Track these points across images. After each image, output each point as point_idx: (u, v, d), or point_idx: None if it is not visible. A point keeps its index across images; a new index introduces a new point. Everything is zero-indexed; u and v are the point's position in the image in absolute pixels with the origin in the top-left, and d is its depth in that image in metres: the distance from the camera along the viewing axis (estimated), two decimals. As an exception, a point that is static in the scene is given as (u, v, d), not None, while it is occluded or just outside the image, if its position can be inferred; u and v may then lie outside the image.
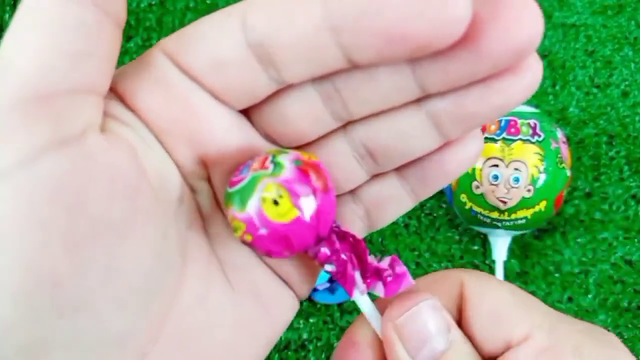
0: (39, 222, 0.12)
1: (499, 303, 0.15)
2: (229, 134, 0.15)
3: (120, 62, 0.44)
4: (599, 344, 0.15)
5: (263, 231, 0.14)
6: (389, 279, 0.16)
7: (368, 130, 0.16)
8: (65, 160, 0.12)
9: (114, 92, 0.15)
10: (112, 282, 0.13)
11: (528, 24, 0.12)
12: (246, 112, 0.16)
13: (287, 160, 0.14)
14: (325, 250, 0.15)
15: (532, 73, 0.14)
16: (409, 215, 0.41)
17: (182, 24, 0.44)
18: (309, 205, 0.14)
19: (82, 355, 0.13)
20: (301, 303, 0.19)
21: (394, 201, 0.17)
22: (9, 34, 0.12)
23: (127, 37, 0.44)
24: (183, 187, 0.15)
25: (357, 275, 0.16)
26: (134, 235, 0.13)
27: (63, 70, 0.12)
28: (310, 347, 0.39)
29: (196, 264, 0.15)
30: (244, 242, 0.15)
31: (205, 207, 0.16)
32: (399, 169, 0.17)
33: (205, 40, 0.14)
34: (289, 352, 0.39)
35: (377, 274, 0.16)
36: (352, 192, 0.17)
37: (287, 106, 0.15)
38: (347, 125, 0.16)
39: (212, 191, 0.16)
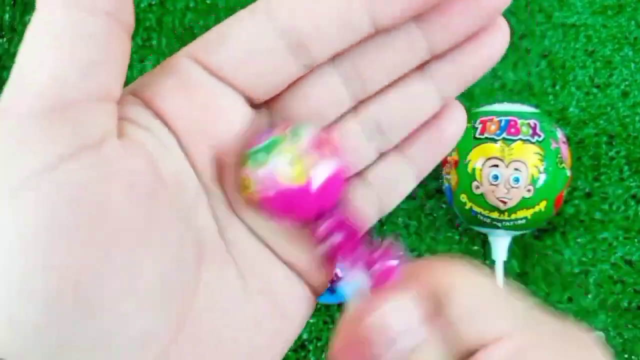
0: (63, 227, 0.12)
1: (478, 300, 0.15)
2: (245, 136, 0.16)
3: (120, 62, 0.44)
4: (572, 346, 0.15)
5: (270, 192, 0.15)
6: (377, 272, 0.16)
7: (379, 106, 0.17)
8: (86, 167, 0.12)
9: (140, 97, 0.15)
10: (134, 284, 0.13)
11: None
12: (266, 103, 0.17)
13: (306, 132, 0.15)
14: (323, 227, 0.16)
15: (504, 28, 0.17)
16: (409, 215, 0.41)
17: (182, 24, 0.45)
18: (318, 176, 0.15)
19: (106, 356, 0.13)
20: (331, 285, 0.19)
21: (399, 180, 0.18)
22: (24, 45, 0.13)
23: (127, 37, 0.44)
24: (199, 191, 0.16)
25: (342, 266, 0.16)
26: (152, 239, 0.13)
27: (78, 80, 0.12)
28: (310, 347, 0.39)
29: (212, 265, 0.15)
30: (250, 201, 0.15)
31: (221, 209, 0.16)
32: (402, 147, 0.18)
33: (232, 37, 0.15)
34: (289, 352, 0.39)
35: (367, 265, 0.16)
36: (362, 176, 0.18)
37: (309, 89, 0.16)
38: (357, 106, 0.17)
39: (226, 194, 0.16)
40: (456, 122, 0.18)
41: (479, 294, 0.15)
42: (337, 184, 0.15)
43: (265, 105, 0.17)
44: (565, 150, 0.36)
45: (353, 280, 0.16)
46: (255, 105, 0.16)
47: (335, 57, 0.16)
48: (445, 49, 0.17)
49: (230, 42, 0.15)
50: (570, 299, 0.40)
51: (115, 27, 0.13)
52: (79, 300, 0.12)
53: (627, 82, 0.43)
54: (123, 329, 0.13)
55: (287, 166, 0.15)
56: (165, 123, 0.15)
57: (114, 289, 0.13)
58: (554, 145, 0.35)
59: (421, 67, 0.17)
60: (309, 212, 0.15)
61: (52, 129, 0.12)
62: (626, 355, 0.39)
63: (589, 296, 0.40)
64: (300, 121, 0.16)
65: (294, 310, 0.17)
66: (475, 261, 0.17)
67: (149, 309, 0.13)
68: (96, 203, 0.12)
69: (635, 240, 0.40)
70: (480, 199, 0.35)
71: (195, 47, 0.15)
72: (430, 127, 0.18)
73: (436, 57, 0.17)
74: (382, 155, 0.18)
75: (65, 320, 0.12)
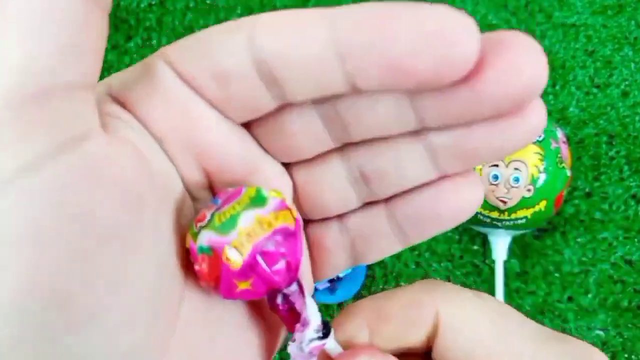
0: (44, 235, 0.11)
1: (476, 341, 0.15)
2: (229, 143, 0.15)
3: (121, 62, 0.44)
4: None
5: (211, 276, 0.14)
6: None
7: (365, 154, 0.15)
8: (68, 167, 0.11)
9: (114, 98, 0.14)
10: (120, 295, 0.12)
11: (530, 68, 0.12)
12: (246, 125, 0.16)
13: (247, 214, 0.14)
14: (279, 304, 0.15)
15: (537, 116, 0.13)
16: (409, 215, 0.41)
17: (182, 24, 0.45)
18: (264, 259, 0.14)
19: None
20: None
21: (380, 238, 0.16)
22: None
23: (127, 37, 0.44)
24: (186, 196, 0.15)
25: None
26: (141, 245, 0.13)
27: (55, 66, 0.11)
28: (311, 347, 0.39)
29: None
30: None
31: None
32: (389, 204, 0.16)
33: (209, 51, 0.14)
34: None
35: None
36: (340, 220, 0.17)
37: (287, 123, 0.15)
38: (344, 147, 0.16)
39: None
40: (460, 197, 0.15)
41: (479, 332, 0.15)
42: (290, 259, 0.14)
43: (245, 128, 0.16)
44: (565, 150, 0.36)
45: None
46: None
47: (317, 100, 0.15)
48: (442, 127, 0.14)
49: (205, 56, 0.14)
50: (570, 299, 0.40)
51: (92, 8, 0.12)
52: (62, 313, 0.11)
53: (627, 82, 0.43)
54: (110, 344, 0.12)
55: (232, 251, 0.13)
56: (145, 126, 0.14)
57: (100, 301, 0.12)
58: (554, 145, 0.35)
59: (417, 132, 0.15)
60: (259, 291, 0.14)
61: (29, 124, 0.11)
62: (626, 355, 0.39)
63: (589, 296, 0.40)
64: (251, 190, 0.15)
65: (277, 320, 0.16)
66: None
67: (137, 321, 0.13)
68: (80, 206, 0.11)
69: (635, 240, 0.40)
70: (480, 199, 0.35)
71: (171, 51, 0.14)
72: (427, 194, 0.15)
73: (433, 129, 0.14)
74: (368, 205, 0.16)
75: (47, 335, 0.11)
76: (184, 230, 0.15)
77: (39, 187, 0.11)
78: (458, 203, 0.15)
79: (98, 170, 0.12)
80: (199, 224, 0.14)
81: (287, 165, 0.16)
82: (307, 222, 0.17)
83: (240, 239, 0.14)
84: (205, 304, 0.15)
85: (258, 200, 0.14)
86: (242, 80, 0.14)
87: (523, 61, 0.12)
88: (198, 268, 0.14)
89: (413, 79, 0.12)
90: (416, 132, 0.14)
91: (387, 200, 0.16)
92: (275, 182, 0.16)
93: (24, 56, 0.11)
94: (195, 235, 0.14)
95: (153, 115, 0.14)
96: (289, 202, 0.15)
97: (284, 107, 0.15)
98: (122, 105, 0.14)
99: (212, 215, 0.14)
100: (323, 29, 0.13)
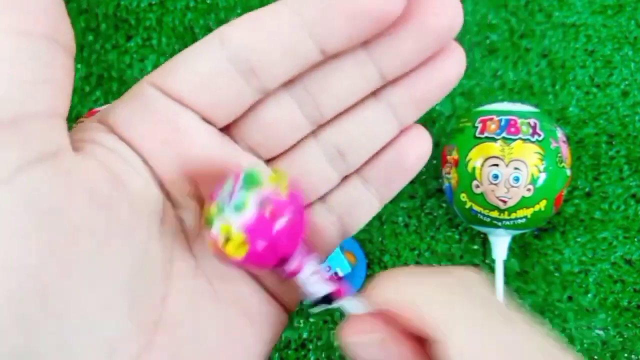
0: (21, 231, 0.12)
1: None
2: (212, 151, 0.16)
3: (121, 62, 0.44)
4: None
5: (223, 260, 0.15)
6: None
7: (337, 130, 0.18)
8: (42, 175, 0.13)
9: (105, 124, 0.16)
10: (96, 286, 0.13)
11: (446, 11, 0.16)
12: (228, 128, 0.17)
13: (252, 199, 0.15)
14: (289, 266, 0.16)
15: (458, 52, 0.17)
16: (409, 214, 0.41)
17: (182, 24, 0.45)
18: (261, 244, 0.15)
19: None
20: (301, 302, 0.19)
21: (362, 205, 0.19)
22: None
23: (127, 36, 0.44)
24: (166, 205, 0.16)
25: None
26: (114, 243, 0.14)
27: (21, 98, 0.13)
28: (310, 347, 0.39)
29: (182, 277, 0.16)
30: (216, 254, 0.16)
31: (192, 223, 0.17)
32: (361, 172, 0.19)
33: (187, 63, 0.16)
34: (289, 351, 0.39)
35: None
36: (323, 200, 0.19)
37: (266, 114, 0.17)
38: (317, 130, 0.18)
39: (199, 208, 0.17)
40: (418, 147, 0.18)
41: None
42: (291, 231, 0.15)
43: (227, 132, 0.17)
44: (565, 150, 0.36)
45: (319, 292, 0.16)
46: (219, 129, 0.17)
47: (288, 83, 0.17)
48: (398, 75, 0.17)
49: (186, 67, 0.16)
50: (570, 298, 0.40)
51: (54, 49, 0.13)
52: (41, 301, 0.12)
53: (627, 82, 0.43)
54: (88, 333, 0.13)
55: (225, 242, 0.15)
56: (131, 145, 0.16)
57: (77, 290, 0.13)
58: (554, 145, 0.35)
59: (375, 93, 0.17)
60: (268, 264, 0.16)
61: (4, 144, 0.12)
62: (626, 354, 0.39)
63: (589, 295, 0.40)
64: (252, 169, 0.16)
65: (265, 324, 0.17)
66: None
67: (113, 312, 0.14)
68: (55, 207, 0.13)
69: (635, 239, 0.40)
70: (480, 198, 0.35)
71: (156, 74, 0.16)
72: (391, 152, 0.18)
73: (390, 83, 0.17)
74: (344, 179, 0.18)
75: (28, 323, 0.12)
76: (167, 235, 0.16)
77: (15, 192, 0.12)
78: (416, 151, 0.18)
79: (66, 177, 0.13)
80: (211, 213, 0.15)
81: (268, 162, 0.18)
82: None
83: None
84: (192, 304, 0.16)
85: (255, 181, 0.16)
86: (222, 79, 0.16)
87: (441, 6, 0.16)
88: (219, 247, 0.15)
89: (368, 20, 0.15)
90: (377, 95, 0.17)
91: (358, 170, 0.19)
92: None
93: None
94: (211, 222, 0.15)
95: (141, 133, 0.16)
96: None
97: (261, 101, 0.17)
98: (112, 128, 0.16)
99: (221, 202, 0.15)
100: (283, 10, 0.15)
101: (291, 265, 0.16)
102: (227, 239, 0.15)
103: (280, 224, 0.15)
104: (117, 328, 0.14)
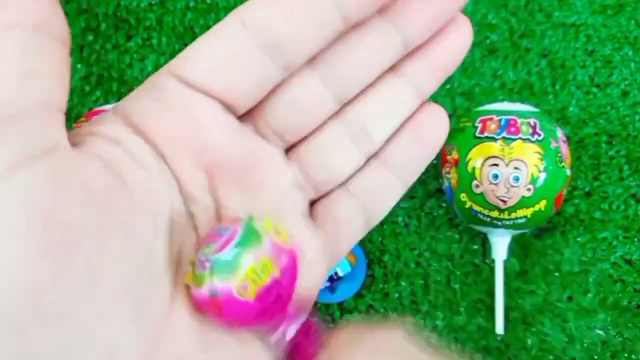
0: (15, 231, 0.12)
1: None
2: (231, 140, 0.16)
3: (121, 62, 0.44)
4: None
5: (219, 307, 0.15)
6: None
7: (359, 106, 0.18)
8: (37, 173, 0.12)
9: (120, 115, 0.15)
10: (94, 290, 0.13)
11: None
12: (250, 113, 0.17)
13: (254, 247, 0.14)
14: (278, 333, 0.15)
15: (465, 21, 0.18)
16: (409, 214, 0.41)
17: (183, 24, 0.45)
18: (269, 294, 0.14)
19: None
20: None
21: (385, 189, 0.18)
22: None
23: (127, 36, 0.44)
24: (177, 201, 0.15)
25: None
26: (113, 243, 0.13)
27: (14, 92, 0.12)
28: (311, 346, 0.39)
29: None
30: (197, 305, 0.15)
31: (206, 219, 0.16)
32: (381, 154, 0.18)
33: (207, 47, 0.15)
34: (289, 351, 0.39)
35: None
36: (346, 188, 0.18)
37: (291, 93, 0.16)
38: (340, 110, 0.18)
39: (214, 203, 0.16)
40: (436, 123, 0.18)
41: None
42: (287, 291, 0.15)
43: (249, 117, 0.17)
44: (565, 150, 0.36)
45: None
46: (239, 116, 0.16)
47: (312, 60, 0.16)
48: (418, 43, 0.17)
49: (204, 52, 0.15)
50: (570, 298, 0.40)
51: (46, 39, 0.13)
52: (36, 305, 0.12)
53: (627, 82, 0.43)
54: (87, 338, 0.12)
55: (233, 290, 0.14)
56: (145, 137, 0.15)
57: (73, 294, 0.12)
58: (553, 145, 0.35)
59: (394, 67, 0.18)
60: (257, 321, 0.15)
61: None
62: (626, 354, 0.39)
63: (589, 295, 0.40)
64: (249, 221, 0.15)
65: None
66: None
67: (114, 318, 0.13)
68: (49, 206, 0.12)
69: (635, 239, 0.40)
70: (480, 198, 0.35)
71: (174, 62, 0.16)
72: (410, 130, 0.18)
73: (408, 55, 0.17)
74: (364, 164, 0.18)
75: (23, 328, 0.12)
76: (175, 235, 0.15)
77: (9, 190, 0.12)
78: (435, 127, 0.18)
79: (62, 176, 0.13)
80: (199, 268, 0.14)
81: (290, 149, 0.18)
82: (317, 200, 0.18)
83: (246, 280, 0.14)
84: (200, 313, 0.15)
85: (254, 238, 0.15)
86: (246, 59, 0.15)
87: None
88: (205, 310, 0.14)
89: None
90: (395, 69, 0.18)
91: (378, 154, 0.18)
92: (277, 172, 0.17)
93: None
94: (200, 281, 0.14)
95: (156, 124, 0.15)
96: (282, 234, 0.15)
97: (285, 81, 0.16)
98: (127, 120, 0.15)
99: (213, 259, 0.14)
100: None
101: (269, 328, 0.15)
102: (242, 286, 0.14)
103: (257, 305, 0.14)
104: (118, 335, 0.13)
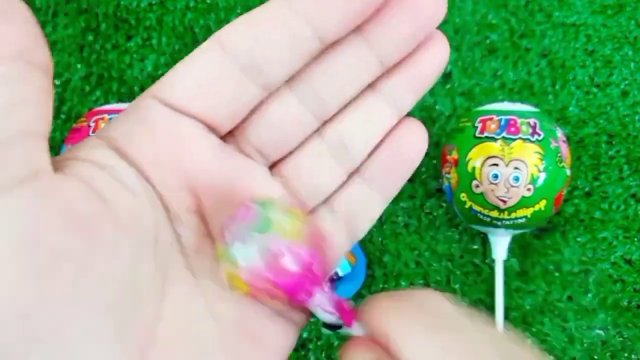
0: None
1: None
2: (213, 162, 0.16)
3: (121, 62, 0.44)
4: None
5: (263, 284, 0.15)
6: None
7: (340, 123, 0.18)
8: (18, 199, 0.12)
9: (105, 139, 0.16)
10: (79, 311, 0.13)
11: None
12: (233, 132, 0.17)
13: (263, 244, 0.15)
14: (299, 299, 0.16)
15: (442, 37, 0.18)
16: (409, 214, 0.41)
17: (182, 24, 0.45)
18: (267, 292, 0.15)
19: None
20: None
21: (367, 205, 0.19)
22: None
23: (127, 36, 0.44)
24: (163, 222, 0.16)
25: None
26: (97, 266, 0.13)
27: None
28: (311, 347, 0.39)
29: (177, 298, 0.15)
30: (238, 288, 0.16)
31: (192, 239, 0.16)
32: (362, 171, 0.19)
33: (187, 70, 0.16)
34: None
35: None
36: (329, 204, 0.19)
37: (272, 113, 0.17)
38: (320, 127, 0.18)
39: (200, 222, 0.16)
40: (414, 138, 0.19)
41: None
42: (305, 280, 0.16)
43: (232, 137, 0.17)
44: (565, 150, 0.36)
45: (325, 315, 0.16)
46: (222, 136, 0.17)
47: (290, 81, 0.17)
48: (396, 61, 0.17)
49: (186, 75, 0.16)
50: (570, 298, 0.40)
51: (27, 68, 0.13)
52: (21, 329, 0.12)
53: (627, 82, 0.43)
54: (72, 359, 0.13)
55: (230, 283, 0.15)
56: (130, 161, 0.15)
57: (58, 316, 0.12)
58: (553, 144, 0.35)
59: (373, 85, 0.18)
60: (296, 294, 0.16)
61: None
62: (626, 354, 0.39)
63: (589, 295, 0.40)
64: (266, 208, 0.16)
65: (268, 346, 0.17)
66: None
67: (100, 338, 0.13)
68: (31, 230, 0.12)
69: (635, 239, 0.40)
70: (480, 198, 0.35)
71: (155, 86, 0.16)
72: (390, 146, 0.19)
73: (386, 73, 0.18)
74: (346, 180, 0.19)
75: (7, 353, 0.12)
76: (162, 254, 0.15)
77: None
78: (414, 142, 0.19)
79: (45, 201, 0.13)
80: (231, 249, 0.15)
81: (272, 167, 0.18)
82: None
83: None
84: (187, 324, 0.15)
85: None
86: (225, 80, 0.16)
87: None
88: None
89: (363, 4, 0.15)
90: (373, 86, 0.18)
91: (359, 170, 0.19)
92: (263, 189, 0.17)
93: None
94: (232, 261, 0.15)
95: (140, 147, 0.16)
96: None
97: (264, 101, 0.17)
98: (112, 144, 0.16)
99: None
100: (281, 6, 0.16)
101: (301, 299, 0.16)
102: (234, 286, 0.15)
103: (289, 273, 0.15)
104: (102, 353, 0.13)
